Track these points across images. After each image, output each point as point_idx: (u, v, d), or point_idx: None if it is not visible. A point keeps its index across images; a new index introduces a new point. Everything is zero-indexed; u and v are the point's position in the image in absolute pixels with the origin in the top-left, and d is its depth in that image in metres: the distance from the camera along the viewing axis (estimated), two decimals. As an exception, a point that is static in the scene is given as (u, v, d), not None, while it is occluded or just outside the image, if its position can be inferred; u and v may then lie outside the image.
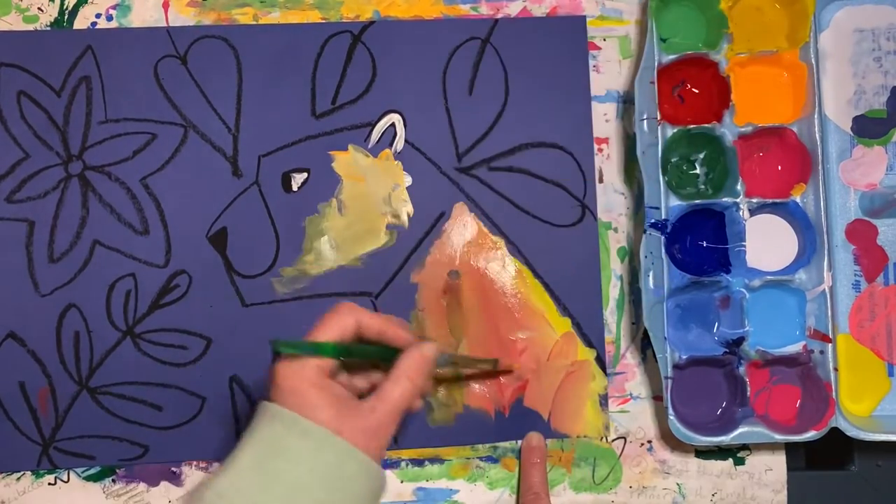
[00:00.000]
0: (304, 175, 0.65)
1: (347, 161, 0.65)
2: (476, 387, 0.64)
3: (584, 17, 0.67)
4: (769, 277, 0.63)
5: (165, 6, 0.66)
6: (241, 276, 0.64)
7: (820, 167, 0.63)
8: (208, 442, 0.63)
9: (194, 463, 0.63)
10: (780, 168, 0.66)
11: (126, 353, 0.63)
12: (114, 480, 0.63)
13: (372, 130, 0.65)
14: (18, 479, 0.63)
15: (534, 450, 0.63)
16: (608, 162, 0.66)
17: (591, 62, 0.67)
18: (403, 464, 0.64)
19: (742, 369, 0.63)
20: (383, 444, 0.49)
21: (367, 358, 0.52)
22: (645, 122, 0.63)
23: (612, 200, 0.66)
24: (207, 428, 0.63)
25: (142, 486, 0.64)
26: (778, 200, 0.64)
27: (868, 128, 0.66)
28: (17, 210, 0.64)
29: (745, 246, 0.64)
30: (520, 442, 0.64)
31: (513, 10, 0.67)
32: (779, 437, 0.61)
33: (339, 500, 0.46)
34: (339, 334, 0.49)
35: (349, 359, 0.50)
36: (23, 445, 0.62)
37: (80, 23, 0.66)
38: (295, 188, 0.65)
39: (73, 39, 0.65)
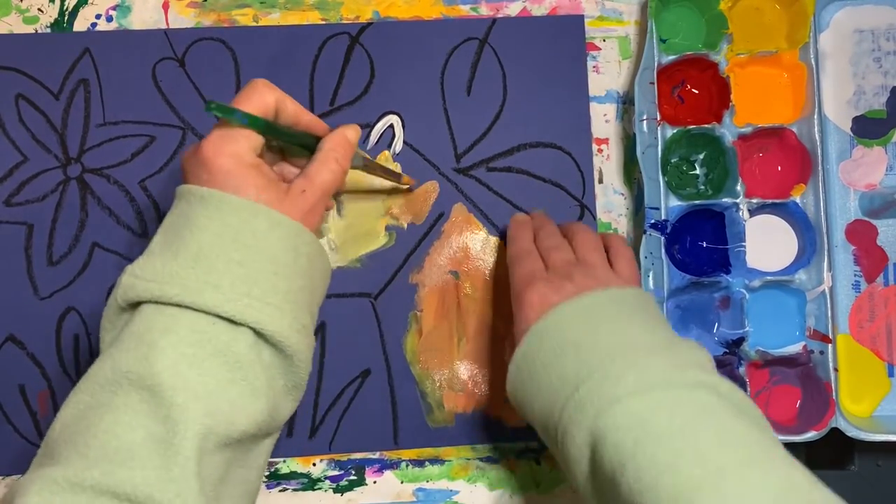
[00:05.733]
0: (303, 177, 0.65)
1: (346, 162, 0.65)
2: (478, 389, 0.64)
3: (581, 17, 0.67)
4: (769, 278, 0.63)
5: (165, 7, 0.66)
6: (240, 277, 0.64)
7: (820, 167, 0.63)
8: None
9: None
10: (779, 168, 0.66)
11: (126, 356, 0.63)
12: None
13: (370, 132, 0.65)
14: (18, 479, 0.63)
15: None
16: (608, 162, 0.66)
17: (591, 63, 0.67)
18: (403, 464, 0.64)
19: (742, 370, 0.62)
20: (316, 224, 0.49)
21: (288, 140, 0.50)
22: (645, 122, 0.63)
23: (611, 201, 0.66)
24: (207, 430, 0.63)
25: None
26: (778, 201, 0.63)
27: (868, 128, 0.66)
28: (15, 213, 0.64)
29: (744, 246, 0.63)
30: (520, 443, 0.64)
31: (512, 10, 0.67)
32: (778, 438, 0.61)
33: (257, 258, 0.45)
34: (262, 110, 0.48)
35: (272, 139, 0.49)
36: (23, 448, 0.62)
37: (80, 24, 0.66)
38: (294, 190, 0.65)
39: (71, 42, 0.65)
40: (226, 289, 0.44)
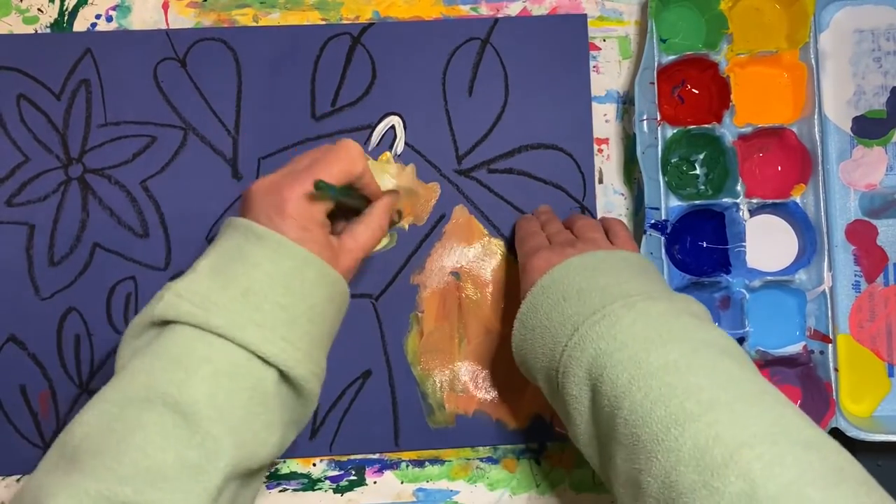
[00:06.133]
0: (304, 177, 0.65)
1: (347, 163, 0.65)
2: (479, 390, 0.64)
3: (584, 16, 0.67)
4: (769, 278, 0.63)
5: (165, 7, 0.66)
6: (241, 278, 0.64)
7: (820, 167, 0.63)
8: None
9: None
10: (779, 168, 0.66)
11: (127, 356, 0.63)
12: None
13: (372, 132, 0.65)
14: (18, 479, 0.63)
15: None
16: (608, 162, 0.66)
17: (591, 63, 0.67)
18: (404, 465, 0.64)
19: (742, 370, 0.63)
20: (351, 275, 0.53)
21: (351, 205, 0.54)
22: (645, 122, 0.63)
23: (611, 201, 0.66)
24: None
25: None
26: (778, 201, 0.64)
27: (868, 128, 0.66)
28: (17, 213, 0.64)
29: (745, 246, 0.64)
30: (520, 445, 0.64)
31: (513, 10, 0.67)
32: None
33: (299, 304, 0.48)
34: (349, 175, 0.51)
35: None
36: (23, 448, 0.62)
37: (80, 24, 0.66)
38: (295, 190, 0.65)
39: (73, 42, 0.65)
40: (267, 329, 0.46)
